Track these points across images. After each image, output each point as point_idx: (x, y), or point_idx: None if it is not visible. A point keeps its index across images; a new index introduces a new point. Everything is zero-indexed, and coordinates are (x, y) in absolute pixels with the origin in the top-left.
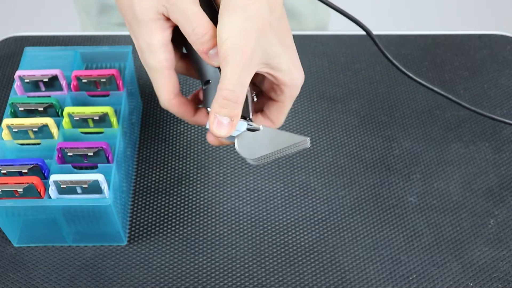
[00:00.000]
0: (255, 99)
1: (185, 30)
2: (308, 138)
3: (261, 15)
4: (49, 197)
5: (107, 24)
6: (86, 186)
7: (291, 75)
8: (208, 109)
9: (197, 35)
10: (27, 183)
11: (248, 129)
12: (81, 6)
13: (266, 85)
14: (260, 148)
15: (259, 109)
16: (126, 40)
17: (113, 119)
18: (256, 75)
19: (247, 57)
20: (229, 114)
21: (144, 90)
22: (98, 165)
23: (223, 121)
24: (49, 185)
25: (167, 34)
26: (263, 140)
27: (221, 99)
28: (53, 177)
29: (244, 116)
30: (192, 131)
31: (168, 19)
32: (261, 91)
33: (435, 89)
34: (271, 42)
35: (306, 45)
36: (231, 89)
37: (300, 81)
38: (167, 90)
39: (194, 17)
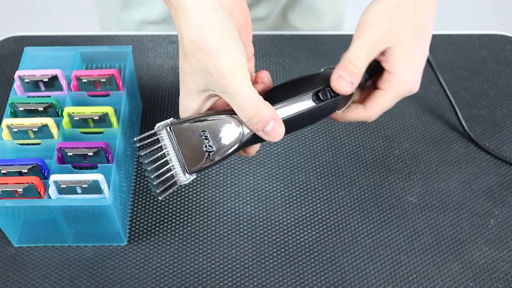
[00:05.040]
0: (207, 151)
1: (236, 111)
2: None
3: (408, 8)
4: (49, 197)
5: (128, 22)
6: (86, 186)
7: (404, 69)
8: None
9: (248, 116)
10: (27, 183)
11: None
12: (103, 2)
13: (378, 74)
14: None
15: (359, 101)
16: (126, 40)
17: (113, 119)
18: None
19: (377, 36)
20: (350, 76)
21: (144, 90)
22: (98, 165)
23: (347, 79)
24: (49, 185)
25: (204, 105)
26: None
27: (347, 63)
28: (53, 177)
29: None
30: None
31: (211, 96)
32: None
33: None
34: (405, 33)
35: (306, 45)
36: (357, 57)
37: (411, 81)
38: None
39: (242, 100)
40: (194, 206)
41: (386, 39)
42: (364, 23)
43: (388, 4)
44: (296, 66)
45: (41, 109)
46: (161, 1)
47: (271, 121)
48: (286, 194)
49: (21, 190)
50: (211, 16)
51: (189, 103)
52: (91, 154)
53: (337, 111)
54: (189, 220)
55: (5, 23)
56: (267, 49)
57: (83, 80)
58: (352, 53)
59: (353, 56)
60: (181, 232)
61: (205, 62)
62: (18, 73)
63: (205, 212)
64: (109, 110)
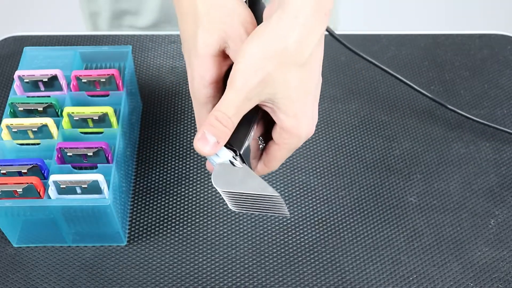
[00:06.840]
0: (261, 146)
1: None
2: (281, 200)
3: (287, 48)
4: (49, 197)
5: (117, 26)
6: (86, 186)
7: (295, 122)
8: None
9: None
10: (27, 183)
11: (231, 162)
12: (89, 12)
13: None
14: (233, 184)
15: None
16: (126, 40)
17: (113, 119)
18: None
19: (251, 87)
20: (216, 135)
21: (144, 90)
22: (98, 165)
23: (209, 139)
24: (49, 185)
25: (222, 72)
26: (238, 177)
27: (214, 119)
28: (53, 177)
29: (234, 149)
30: (192, 131)
31: (225, 57)
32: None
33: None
34: (287, 79)
35: None
36: (226, 113)
37: (304, 132)
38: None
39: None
40: (194, 206)
41: (265, 88)
42: (237, 68)
43: (266, 42)
44: None
45: (41, 109)
46: (149, 11)
47: None
48: (286, 194)
49: (21, 190)
50: None
51: (206, 72)
52: (91, 154)
53: None
54: (189, 220)
55: (5, 23)
56: None
57: (83, 80)
58: (221, 107)
59: (221, 112)
60: (181, 232)
61: (225, 19)
62: (17, 73)
63: (205, 212)
64: (109, 110)
